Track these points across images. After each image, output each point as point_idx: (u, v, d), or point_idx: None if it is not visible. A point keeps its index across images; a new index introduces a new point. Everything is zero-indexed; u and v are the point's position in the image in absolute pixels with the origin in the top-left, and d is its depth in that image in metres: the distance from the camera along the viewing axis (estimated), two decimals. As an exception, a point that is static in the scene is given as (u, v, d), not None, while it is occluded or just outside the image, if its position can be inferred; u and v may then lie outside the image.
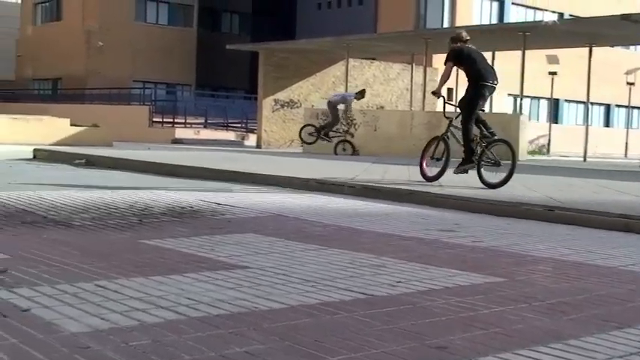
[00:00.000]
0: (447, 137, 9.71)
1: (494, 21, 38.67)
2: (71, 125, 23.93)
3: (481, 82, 9.22)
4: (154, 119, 33.37)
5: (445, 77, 9.29)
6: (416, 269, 4.38)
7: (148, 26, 44.71)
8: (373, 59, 28.78)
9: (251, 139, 31.22)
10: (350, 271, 4.24)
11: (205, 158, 14.71)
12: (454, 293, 3.76)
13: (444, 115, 9.81)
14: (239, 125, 35.52)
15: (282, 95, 26.20)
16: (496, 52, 23.63)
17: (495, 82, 9.28)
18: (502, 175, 9.04)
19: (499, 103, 29.72)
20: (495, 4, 39.43)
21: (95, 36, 42.84)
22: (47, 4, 48.49)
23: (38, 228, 5.62)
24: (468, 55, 9.34)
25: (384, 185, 9.21)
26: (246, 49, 32.78)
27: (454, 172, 9.57)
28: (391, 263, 4.55)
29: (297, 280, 3.96)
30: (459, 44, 9.43)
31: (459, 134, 9.50)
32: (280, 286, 3.79)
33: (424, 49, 22.77)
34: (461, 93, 10.05)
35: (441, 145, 9.75)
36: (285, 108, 26.28)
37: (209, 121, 34.58)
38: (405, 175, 11.54)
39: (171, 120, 33.57)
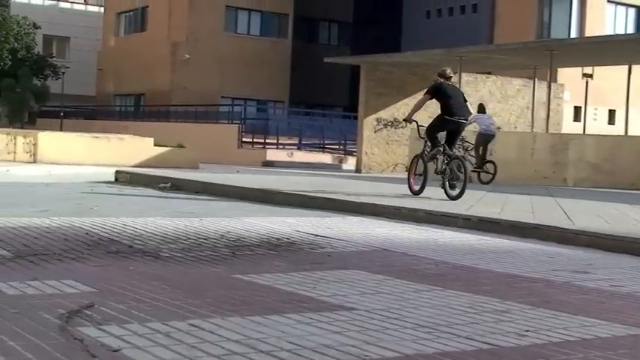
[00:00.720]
0: (425, 155, 12.17)
1: (631, 29, 37.76)
2: (155, 145, 24.67)
3: (446, 116, 11.74)
4: (244, 139, 33.98)
5: (417, 107, 11.96)
6: (546, 316, 4.29)
7: (238, 37, 45.70)
8: (489, 74, 28.50)
9: (350, 163, 31.37)
10: (470, 317, 4.19)
11: (300, 183, 14.85)
12: (593, 346, 3.65)
13: (419, 136, 12.29)
14: (337, 147, 35.77)
15: (385, 114, 26.24)
16: (632, 66, 23.03)
17: (461, 119, 11.77)
18: (458, 190, 11.58)
19: (638, 124, 28.89)
20: (632, 11, 38.51)
21: (181, 48, 44.08)
22: (131, 13, 50.21)
23: (124, 259, 5.80)
24: (444, 90, 11.83)
25: (504, 218, 9.07)
26: (345, 62, 33.04)
27: (427, 161, 12.04)
28: (516, 309, 4.47)
29: (410, 324, 3.93)
30: (441, 80, 11.93)
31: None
32: (392, 331, 3.78)
33: (548, 61, 22.42)
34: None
35: (421, 163, 12.19)
36: (389, 128, 26.31)
37: (303, 142, 34.95)
38: (526, 205, 11.34)
39: (262, 140, 34.10)
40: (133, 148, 24.03)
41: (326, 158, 33.44)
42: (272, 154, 32.18)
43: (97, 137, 24.59)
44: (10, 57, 43.47)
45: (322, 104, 45.05)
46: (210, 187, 13.57)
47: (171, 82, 44.10)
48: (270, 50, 46.24)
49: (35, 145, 23.46)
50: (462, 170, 11.63)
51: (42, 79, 51.06)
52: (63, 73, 48.24)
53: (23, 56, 48.48)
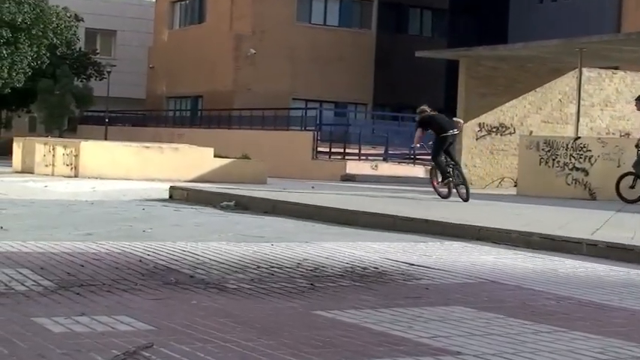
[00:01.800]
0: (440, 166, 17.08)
1: None
2: (215, 156, 24.96)
3: (442, 134, 16.79)
4: (319, 149, 34.12)
5: (418, 139, 17.88)
6: (696, 365, 4.20)
7: (312, 28, 45.95)
8: (616, 69, 28.05)
9: (446, 177, 31.16)
10: (602, 365, 4.13)
11: (388, 201, 14.84)
12: None
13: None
14: (430, 157, 35.57)
15: (489, 118, 26.06)
16: None
17: (454, 131, 17.06)
18: (464, 191, 16.44)
19: None
20: None
21: (246, 42, 44.55)
22: (187, 2, 51.03)
23: (185, 291, 5.88)
24: (430, 118, 17.20)
25: (638, 244, 8.92)
26: (441, 57, 32.90)
27: (439, 186, 16.93)
28: (659, 355, 4.39)
29: (529, 373, 3.90)
30: (425, 114, 17.27)
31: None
32: (507, 381, 3.75)
33: (690, 54, 21.98)
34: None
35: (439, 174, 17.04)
36: (494, 134, 26.11)
37: (390, 152, 34.92)
38: (665, 229, 11.12)
39: (341, 150, 34.19)
40: (189, 159, 24.35)
41: (417, 171, 33.28)
42: (353, 167, 32.21)
43: (147, 147, 25.01)
44: (48, 54, 44.35)
45: (412, 106, 44.84)
46: (282, 206, 13.68)
47: (234, 82, 44.58)
48: (350, 43, 46.37)
49: (77, 156, 23.97)
50: (460, 171, 16.97)
51: (84, 80, 52.08)
52: (108, 72, 49.05)
53: (63, 53, 49.47)
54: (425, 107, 17.71)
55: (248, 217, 12.70)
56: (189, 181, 21.63)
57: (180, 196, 16.37)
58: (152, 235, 9.44)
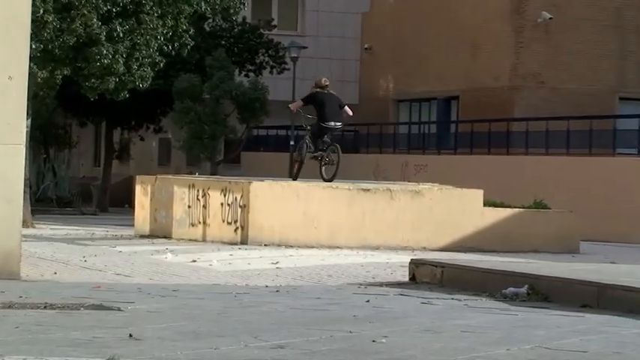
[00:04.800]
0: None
1: None
2: (485, 205, 24.91)
3: (323, 123, 26.72)
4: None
5: (295, 106, 29.34)
6: None
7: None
8: None
9: None
10: None
11: None
12: None
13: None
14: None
15: None
16: None
17: (336, 124, 27.13)
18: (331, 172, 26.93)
19: None
20: None
21: (533, 4, 44.45)
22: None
23: None
24: (317, 100, 26.93)
25: None
26: None
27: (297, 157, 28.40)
28: None
29: None
30: (318, 90, 27.09)
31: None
32: None
33: None
34: None
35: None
36: None
37: None
38: None
39: None
40: (441, 210, 24.44)
41: None
42: None
43: (366, 190, 25.20)
44: (191, 31, 43.91)
45: None
46: (613, 294, 13.58)
47: (515, 72, 44.52)
48: None
49: (245, 207, 24.37)
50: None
51: (252, 73, 52.52)
52: (293, 59, 49.46)
53: (216, 29, 50.14)
54: (323, 81, 26.89)
55: (555, 316, 12.62)
56: (442, 250, 21.67)
57: (428, 276, 16.40)
58: (390, 350, 9.44)
